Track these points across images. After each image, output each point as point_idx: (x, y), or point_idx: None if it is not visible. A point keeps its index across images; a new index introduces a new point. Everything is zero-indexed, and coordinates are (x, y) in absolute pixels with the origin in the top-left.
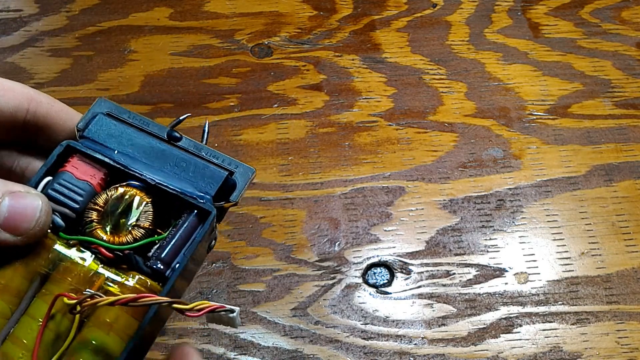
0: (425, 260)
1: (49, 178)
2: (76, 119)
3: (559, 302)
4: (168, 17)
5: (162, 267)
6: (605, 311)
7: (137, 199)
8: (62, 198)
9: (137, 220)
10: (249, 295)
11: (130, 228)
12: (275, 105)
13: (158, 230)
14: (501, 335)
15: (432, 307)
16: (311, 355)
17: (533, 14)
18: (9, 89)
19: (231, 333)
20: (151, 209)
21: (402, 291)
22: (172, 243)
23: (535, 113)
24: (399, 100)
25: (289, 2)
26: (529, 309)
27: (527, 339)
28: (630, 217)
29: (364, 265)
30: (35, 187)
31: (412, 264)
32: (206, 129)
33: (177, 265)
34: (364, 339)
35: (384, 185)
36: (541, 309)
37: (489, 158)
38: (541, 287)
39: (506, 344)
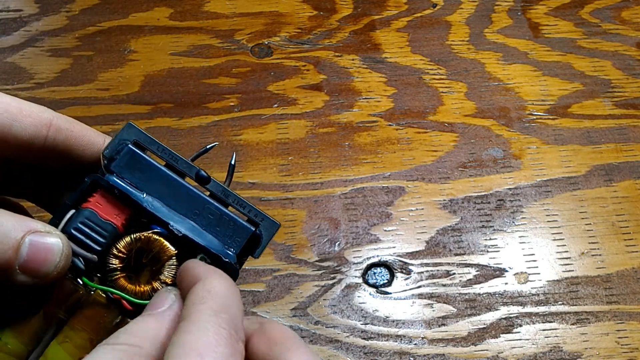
0: (425, 260)
1: (72, 212)
2: (96, 141)
3: (559, 302)
4: (168, 17)
5: None
6: (605, 311)
7: (163, 251)
8: (84, 239)
9: (161, 273)
10: (249, 295)
11: (152, 280)
12: (275, 105)
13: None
14: (501, 335)
15: (432, 307)
16: None
17: (533, 14)
18: (27, 114)
19: None
20: (175, 264)
21: (402, 291)
22: None
23: (535, 113)
24: (399, 100)
25: (289, 2)
26: (529, 309)
27: (527, 339)
28: (630, 217)
29: (364, 265)
30: (58, 222)
31: (412, 264)
32: (233, 162)
33: None
34: (364, 339)
35: (384, 185)
36: (541, 309)
37: (489, 158)
38: (541, 287)
39: (506, 344)
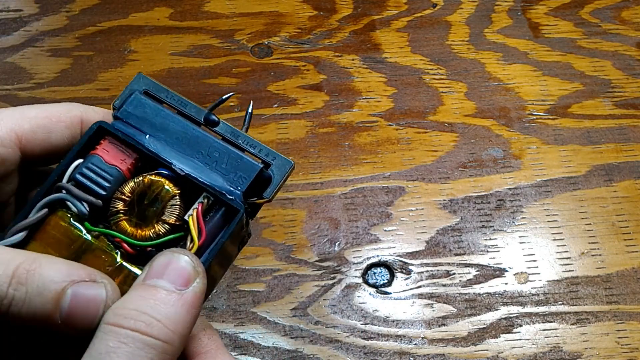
0: (425, 260)
1: (79, 161)
2: None
3: (559, 302)
4: (168, 17)
5: None
6: (605, 311)
7: (165, 191)
8: (89, 183)
9: (163, 214)
10: (249, 295)
11: (155, 222)
12: (275, 105)
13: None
14: (501, 335)
15: (432, 307)
16: (311, 355)
17: (533, 14)
18: (58, 120)
19: (231, 333)
20: (178, 203)
21: (402, 291)
22: None
23: (535, 113)
24: (399, 100)
25: (289, 2)
26: (529, 309)
27: (527, 339)
28: (630, 217)
29: (364, 265)
30: (65, 169)
31: (412, 264)
32: (250, 110)
33: (204, 263)
34: (364, 339)
35: (384, 185)
36: (541, 309)
37: (489, 158)
38: (541, 287)
39: (506, 344)
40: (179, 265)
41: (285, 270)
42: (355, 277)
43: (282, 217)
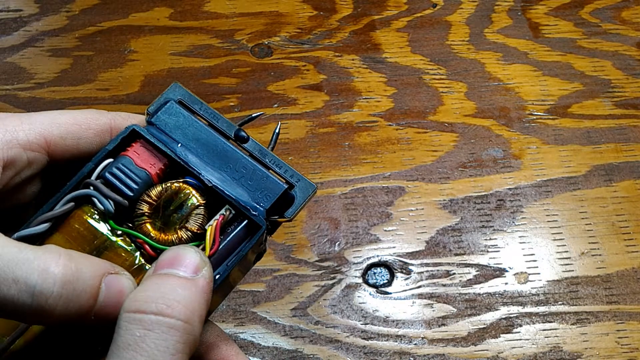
0: (425, 260)
1: (109, 160)
2: None
3: (559, 302)
4: (168, 17)
5: None
6: (605, 311)
7: (191, 200)
8: (117, 183)
9: (187, 221)
10: (249, 295)
11: (178, 228)
12: (275, 105)
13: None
14: (501, 335)
15: (432, 307)
16: (311, 355)
17: (533, 14)
18: (87, 127)
19: (231, 333)
20: (202, 213)
21: (402, 291)
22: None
23: (535, 113)
24: (399, 100)
25: (289, 2)
26: (529, 309)
27: (527, 339)
28: (630, 217)
29: (364, 265)
30: (95, 167)
31: (412, 264)
32: (277, 130)
33: (218, 276)
34: (364, 339)
35: (384, 185)
36: (541, 309)
37: (489, 158)
38: (541, 287)
39: (506, 344)
40: (188, 255)
41: (285, 270)
42: (355, 277)
43: None
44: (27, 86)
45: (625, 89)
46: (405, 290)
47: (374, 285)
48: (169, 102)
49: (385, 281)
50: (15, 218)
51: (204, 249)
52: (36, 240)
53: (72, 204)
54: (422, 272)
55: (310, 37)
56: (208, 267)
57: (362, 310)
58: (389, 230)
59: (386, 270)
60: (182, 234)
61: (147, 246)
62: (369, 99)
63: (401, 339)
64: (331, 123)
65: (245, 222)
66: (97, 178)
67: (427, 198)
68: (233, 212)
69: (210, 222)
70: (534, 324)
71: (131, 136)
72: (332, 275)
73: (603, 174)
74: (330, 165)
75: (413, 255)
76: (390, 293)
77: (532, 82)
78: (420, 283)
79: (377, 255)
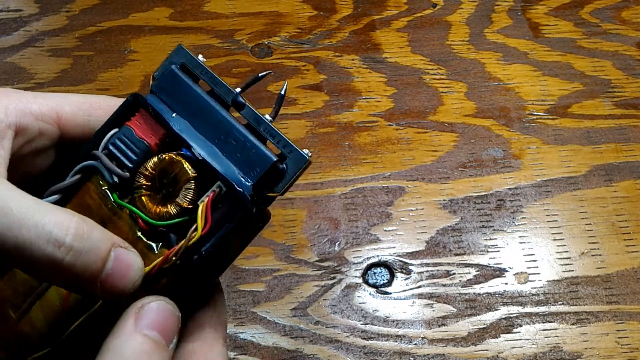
0: (425, 260)
1: (115, 130)
2: None
3: (559, 302)
4: (168, 17)
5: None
6: (605, 311)
7: (183, 172)
8: (118, 154)
9: (177, 195)
10: (249, 295)
11: (169, 202)
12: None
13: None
14: (501, 335)
15: (432, 307)
16: (311, 355)
17: (533, 14)
18: (97, 107)
19: (231, 333)
20: (193, 187)
21: (402, 291)
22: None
23: (535, 113)
24: (399, 100)
25: (289, 2)
26: (529, 309)
27: (527, 339)
28: (630, 217)
29: (364, 265)
30: (102, 137)
31: (412, 264)
32: (283, 92)
33: (203, 252)
34: (364, 339)
35: (384, 185)
36: (541, 309)
37: (489, 158)
38: (541, 287)
39: (506, 344)
40: (171, 320)
41: (285, 270)
42: (355, 277)
43: (282, 217)
44: (27, 86)
45: (625, 89)
46: (405, 290)
47: (374, 285)
48: (169, 67)
49: (385, 281)
50: (28, 191)
51: (195, 230)
52: None
53: (79, 175)
54: (422, 272)
55: (310, 37)
56: (177, 337)
57: (362, 310)
58: (389, 230)
59: (386, 270)
60: (172, 208)
61: (140, 220)
62: (369, 99)
63: (401, 339)
64: (331, 123)
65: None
66: (103, 149)
67: (427, 198)
68: (225, 188)
69: (202, 199)
70: (534, 324)
71: (135, 105)
72: (332, 275)
73: (603, 174)
74: (330, 165)
75: (413, 255)
76: (390, 293)
77: (532, 82)
78: (420, 283)
79: (377, 255)
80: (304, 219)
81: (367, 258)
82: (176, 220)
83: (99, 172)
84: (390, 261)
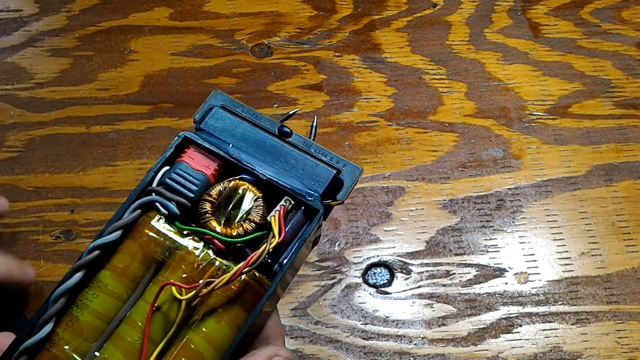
0: (425, 260)
1: (166, 168)
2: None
3: (559, 302)
4: (168, 17)
5: (270, 261)
6: (605, 311)
7: (249, 194)
8: (178, 187)
9: (249, 214)
10: None
11: (241, 221)
12: (275, 105)
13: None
14: (501, 335)
15: (432, 307)
16: (311, 355)
17: (533, 14)
18: None
19: None
20: (262, 204)
21: (402, 291)
22: None
23: (535, 113)
24: (399, 100)
25: (289, 2)
26: (529, 309)
27: (527, 339)
28: (630, 217)
29: (364, 265)
30: (154, 175)
31: (412, 264)
32: (314, 124)
33: (285, 260)
34: (364, 339)
35: (384, 185)
36: (541, 309)
37: (489, 158)
38: (541, 287)
39: (506, 344)
40: None
41: None
42: (355, 277)
43: None
44: (27, 86)
45: (625, 89)
46: (405, 290)
47: (374, 285)
48: (213, 108)
49: (385, 281)
50: None
51: (273, 237)
52: (110, 247)
53: (139, 211)
54: (422, 272)
55: (310, 37)
56: None
57: (362, 310)
58: (389, 230)
59: (386, 270)
60: (247, 225)
61: (216, 241)
62: (369, 99)
63: (401, 339)
64: (331, 123)
65: (302, 208)
66: (157, 185)
67: (427, 198)
68: (292, 202)
69: (272, 213)
70: (534, 324)
71: (183, 143)
72: (332, 275)
73: (603, 174)
74: None
75: (413, 255)
76: (390, 293)
77: (532, 82)
78: (420, 283)
79: (377, 255)
80: None
81: (367, 258)
82: (252, 235)
83: (155, 207)
84: (390, 261)
